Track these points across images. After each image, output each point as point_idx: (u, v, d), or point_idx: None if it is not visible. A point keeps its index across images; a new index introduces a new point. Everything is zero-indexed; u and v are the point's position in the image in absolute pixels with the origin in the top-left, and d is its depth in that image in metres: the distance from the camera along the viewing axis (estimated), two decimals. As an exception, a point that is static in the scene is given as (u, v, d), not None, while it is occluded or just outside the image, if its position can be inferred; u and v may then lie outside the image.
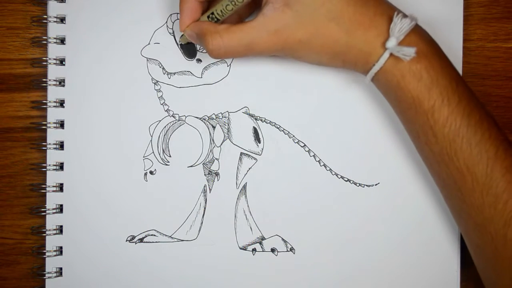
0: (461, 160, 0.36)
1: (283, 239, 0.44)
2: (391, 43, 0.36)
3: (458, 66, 0.43)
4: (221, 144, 0.44)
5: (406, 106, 0.37)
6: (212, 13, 0.38)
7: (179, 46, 0.43)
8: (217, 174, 0.43)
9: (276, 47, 0.37)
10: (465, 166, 0.36)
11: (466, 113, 0.36)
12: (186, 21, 0.39)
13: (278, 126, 0.44)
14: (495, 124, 0.37)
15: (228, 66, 0.44)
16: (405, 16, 0.37)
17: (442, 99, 0.36)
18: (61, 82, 0.43)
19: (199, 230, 0.43)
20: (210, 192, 0.43)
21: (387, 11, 0.37)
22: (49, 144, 0.43)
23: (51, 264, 0.43)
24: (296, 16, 0.36)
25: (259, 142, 0.44)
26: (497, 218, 0.36)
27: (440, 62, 0.37)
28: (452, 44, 0.43)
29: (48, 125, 0.43)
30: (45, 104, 0.43)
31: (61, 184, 0.43)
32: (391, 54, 0.36)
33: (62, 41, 0.43)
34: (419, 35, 0.37)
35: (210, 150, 0.43)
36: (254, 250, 0.43)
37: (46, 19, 0.43)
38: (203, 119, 0.44)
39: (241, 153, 0.44)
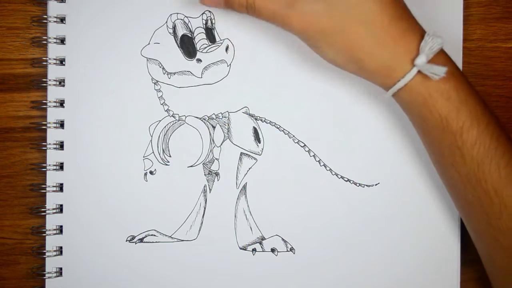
0: (489, 182, 0.36)
1: (283, 239, 0.44)
2: (421, 60, 0.35)
3: (458, 66, 0.43)
4: (221, 144, 0.44)
5: (432, 125, 0.36)
6: None
7: (179, 46, 0.43)
8: (217, 174, 0.43)
9: (301, 26, 0.36)
10: (493, 189, 0.36)
11: (495, 135, 0.36)
12: None
13: (278, 126, 0.44)
14: None
15: (228, 66, 0.43)
16: (436, 35, 0.36)
17: (471, 120, 0.35)
18: (61, 82, 0.43)
19: (199, 230, 0.43)
20: (210, 192, 0.43)
21: (418, 29, 0.36)
22: (49, 144, 0.43)
23: (51, 264, 0.42)
24: (327, 8, 0.35)
25: (259, 142, 0.44)
26: None
27: (468, 83, 0.36)
28: (452, 44, 0.43)
29: (48, 125, 0.43)
30: (45, 104, 0.43)
31: (61, 184, 0.43)
32: (418, 72, 0.35)
33: (62, 41, 0.43)
34: (447, 55, 0.37)
35: (210, 150, 0.43)
36: (254, 250, 0.43)
37: (46, 19, 0.43)
38: (203, 119, 0.44)
39: (241, 153, 0.44)
